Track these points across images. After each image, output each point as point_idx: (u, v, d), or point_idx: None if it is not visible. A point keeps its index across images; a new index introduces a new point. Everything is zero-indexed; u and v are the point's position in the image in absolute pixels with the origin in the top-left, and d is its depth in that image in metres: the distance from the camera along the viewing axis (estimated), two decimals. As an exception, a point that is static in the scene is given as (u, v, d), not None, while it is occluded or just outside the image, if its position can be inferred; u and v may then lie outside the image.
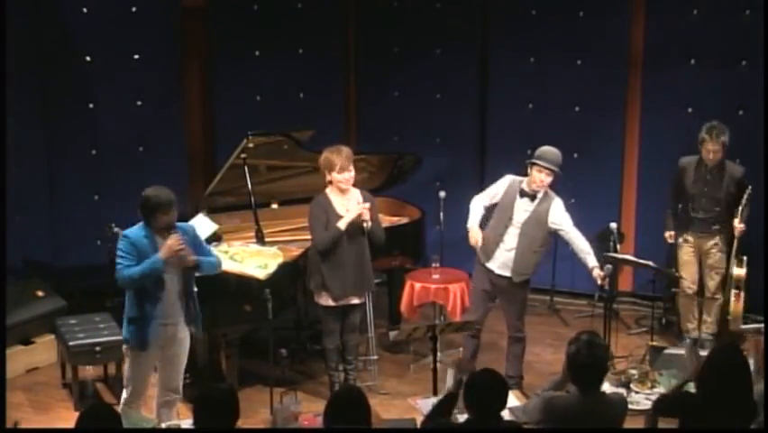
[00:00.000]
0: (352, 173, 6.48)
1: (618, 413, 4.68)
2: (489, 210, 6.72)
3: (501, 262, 6.62)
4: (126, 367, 5.91)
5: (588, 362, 4.53)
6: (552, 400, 4.60)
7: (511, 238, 6.58)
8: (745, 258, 7.28)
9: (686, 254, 7.51)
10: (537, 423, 4.65)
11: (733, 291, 7.27)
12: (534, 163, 6.48)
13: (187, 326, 5.81)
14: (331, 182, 6.50)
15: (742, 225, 7.18)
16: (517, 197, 6.57)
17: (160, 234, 5.59)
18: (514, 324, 6.77)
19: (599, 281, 6.46)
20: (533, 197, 6.54)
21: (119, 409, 5.74)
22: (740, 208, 7.17)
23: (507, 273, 6.61)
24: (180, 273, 5.69)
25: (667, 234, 7.65)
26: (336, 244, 6.41)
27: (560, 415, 4.54)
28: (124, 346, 5.84)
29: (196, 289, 5.92)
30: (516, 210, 6.57)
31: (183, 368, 5.91)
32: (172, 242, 5.52)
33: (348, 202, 6.49)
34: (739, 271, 7.26)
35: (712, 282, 7.46)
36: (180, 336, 5.80)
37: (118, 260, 5.58)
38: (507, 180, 6.68)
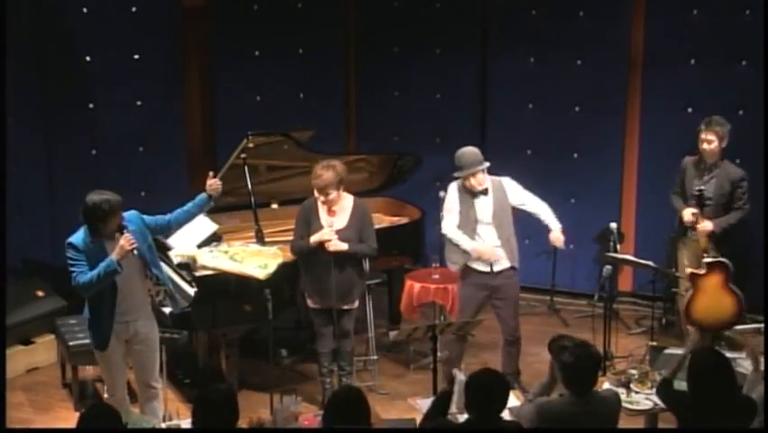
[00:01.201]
0: (329, 197, 6.27)
1: (614, 408, 4.74)
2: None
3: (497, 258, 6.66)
4: (100, 368, 6.02)
5: (588, 364, 4.59)
6: (546, 406, 4.61)
7: (490, 235, 6.62)
8: (708, 260, 6.93)
9: (684, 258, 7.47)
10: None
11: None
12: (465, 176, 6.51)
13: (161, 309, 5.87)
14: None
15: (707, 225, 7.03)
16: (474, 199, 6.61)
17: (108, 237, 5.59)
18: (512, 326, 6.79)
19: (558, 244, 6.68)
20: (485, 191, 6.62)
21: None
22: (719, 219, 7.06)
23: (508, 264, 6.66)
24: (133, 267, 5.68)
25: (688, 211, 7.10)
26: (309, 254, 6.38)
27: (556, 420, 4.55)
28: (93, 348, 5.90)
29: (175, 276, 5.89)
30: (480, 210, 6.61)
31: (154, 364, 5.93)
32: (124, 242, 5.51)
33: (336, 210, 6.37)
34: (690, 270, 7.12)
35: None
36: (143, 332, 5.81)
37: (71, 268, 5.57)
38: (454, 189, 6.69)
